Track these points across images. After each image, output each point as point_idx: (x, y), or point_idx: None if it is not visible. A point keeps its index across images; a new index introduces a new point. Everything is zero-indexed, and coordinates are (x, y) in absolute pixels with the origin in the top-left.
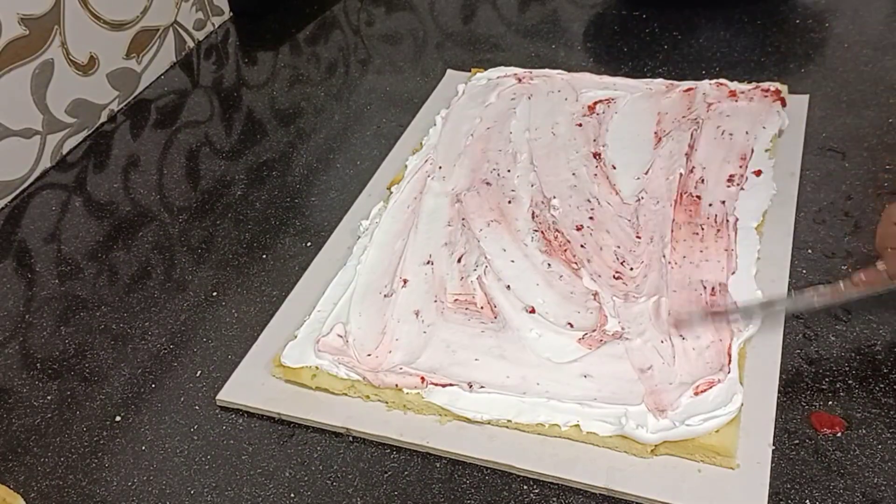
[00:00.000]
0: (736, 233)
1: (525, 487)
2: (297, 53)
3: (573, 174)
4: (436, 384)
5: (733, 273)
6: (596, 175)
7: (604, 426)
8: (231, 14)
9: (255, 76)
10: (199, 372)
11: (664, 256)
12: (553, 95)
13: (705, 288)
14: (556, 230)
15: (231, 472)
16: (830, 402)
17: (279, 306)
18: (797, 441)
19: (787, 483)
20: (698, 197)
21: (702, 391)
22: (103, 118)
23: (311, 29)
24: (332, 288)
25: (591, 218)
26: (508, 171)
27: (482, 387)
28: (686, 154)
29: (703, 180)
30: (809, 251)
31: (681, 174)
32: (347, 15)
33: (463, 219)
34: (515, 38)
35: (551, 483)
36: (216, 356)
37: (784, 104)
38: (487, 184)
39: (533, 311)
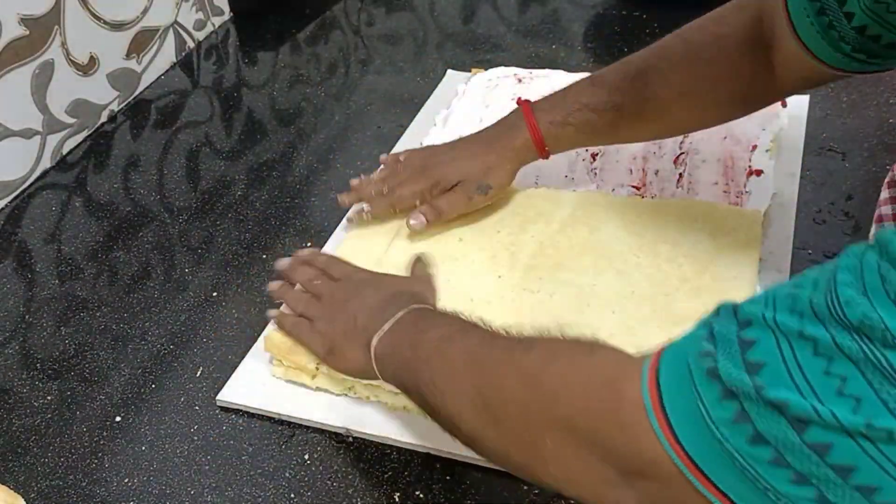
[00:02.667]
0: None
1: (525, 488)
2: (297, 54)
3: (571, 177)
4: None
5: None
6: (596, 174)
7: None
8: (231, 14)
9: (255, 76)
10: (199, 372)
11: None
12: None
13: None
14: None
15: (231, 473)
16: None
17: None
18: None
19: None
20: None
21: None
22: (103, 118)
23: (312, 29)
24: None
25: None
26: None
27: None
28: (682, 153)
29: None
30: (809, 251)
31: (680, 174)
32: (347, 15)
33: None
34: (515, 39)
35: None
36: (216, 356)
37: (784, 105)
38: None
39: None
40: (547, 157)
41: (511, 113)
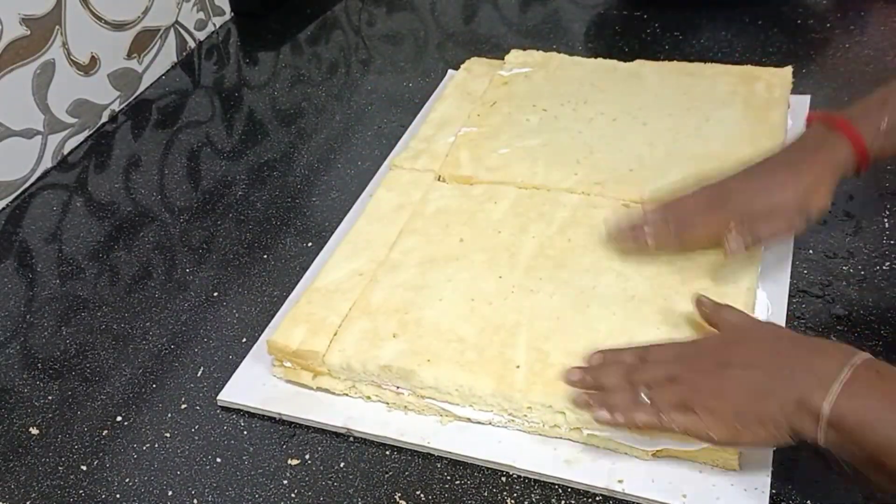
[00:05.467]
0: None
1: (525, 488)
2: (298, 54)
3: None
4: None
5: None
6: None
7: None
8: (232, 14)
9: (256, 76)
10: (199, 372)
11: None
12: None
13: None
14: None
15: (232, 473)
16: None
17: (280, 306)
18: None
19: (787, 483)
20: None
21: None
22: (104, 118)
23: (312, 29)
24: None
25: None
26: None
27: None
28: None
29: None
30: (810, 251)
31: None
32: (348, 15)
33: None
34: (516, 39)
35: (552, 484)
36: (217, 356)
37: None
38: None
39: None
40: (861, 174)
41: (810, 129)
